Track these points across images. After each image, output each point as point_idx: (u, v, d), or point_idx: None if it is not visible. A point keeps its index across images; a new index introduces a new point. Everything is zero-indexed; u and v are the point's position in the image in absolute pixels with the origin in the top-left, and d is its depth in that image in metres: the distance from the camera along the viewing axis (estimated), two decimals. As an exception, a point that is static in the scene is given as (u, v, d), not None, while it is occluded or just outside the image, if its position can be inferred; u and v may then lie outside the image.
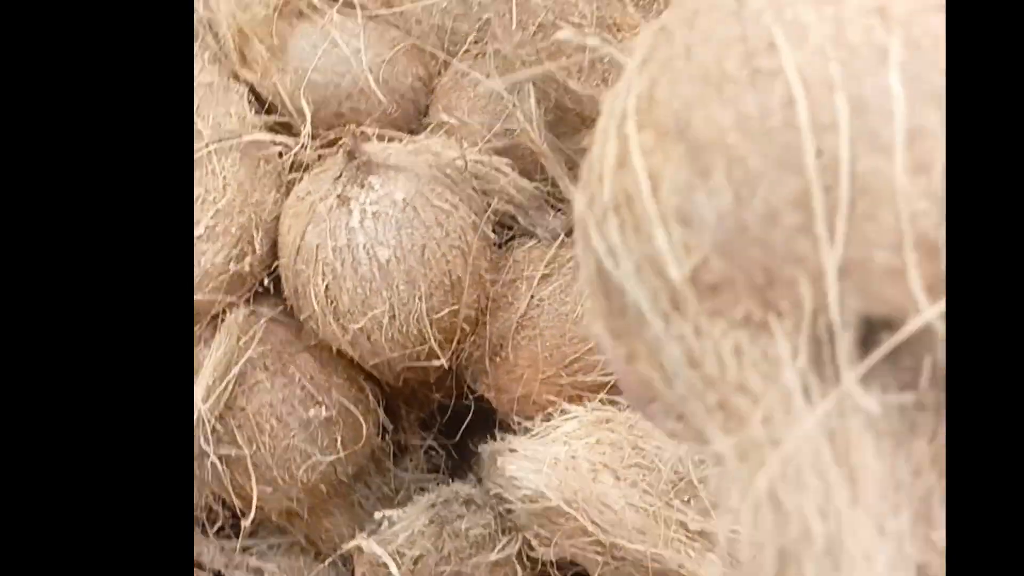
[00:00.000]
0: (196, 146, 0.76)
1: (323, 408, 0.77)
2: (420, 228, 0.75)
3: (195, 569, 0.79)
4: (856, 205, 0.24)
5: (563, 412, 0.76)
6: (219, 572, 0.83)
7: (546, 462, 0.71)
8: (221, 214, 0.75)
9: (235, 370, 0.74)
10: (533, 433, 0.75)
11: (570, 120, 0.81)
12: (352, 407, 0.79)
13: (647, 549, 0.68)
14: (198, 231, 0.74)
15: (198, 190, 0.75)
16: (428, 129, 0.86)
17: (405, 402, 0.86)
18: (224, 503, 0.79)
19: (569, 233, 0.82)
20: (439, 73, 0.91)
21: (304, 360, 0.78)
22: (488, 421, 0.82)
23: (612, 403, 0.77)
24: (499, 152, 0.83)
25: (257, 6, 0.84)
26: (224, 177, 0.76)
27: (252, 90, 0.85)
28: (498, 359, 0.79)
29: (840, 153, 0.24)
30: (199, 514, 0.78)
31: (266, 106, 0.85)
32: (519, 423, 0.78)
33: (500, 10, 0.78)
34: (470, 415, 0.82)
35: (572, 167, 0.81)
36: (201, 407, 0.72)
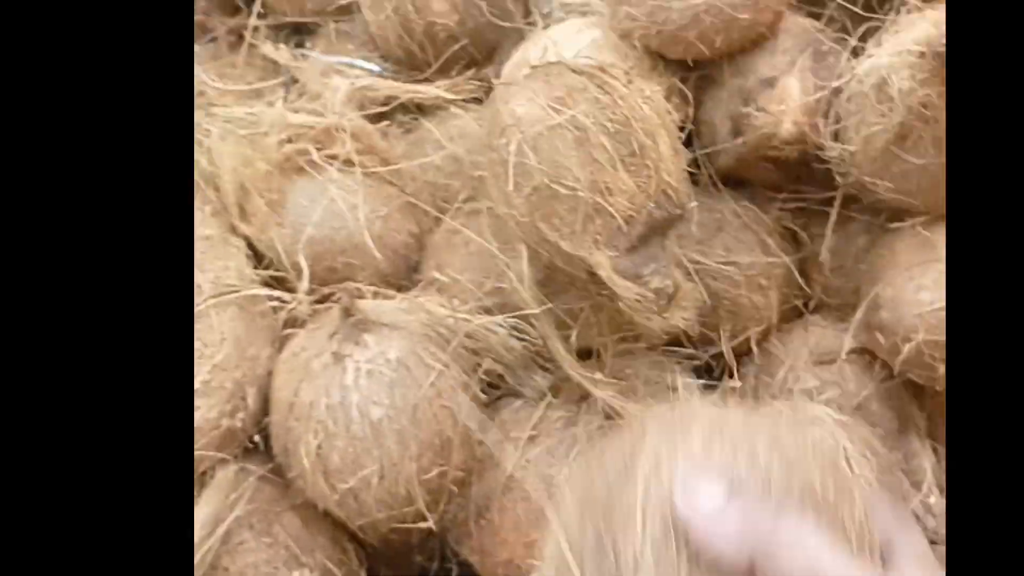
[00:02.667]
0: (197, 300, 0.77)
1: (306, 570, 0.77)
2: (413, 387, 0.76)
3: None
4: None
5: (548, 578, 0.76)
6: None
7: (529, 630, 0.72)
8: (217, 369, 0.76)
9: (221, 529, 0.74)
10: (516, 599, 0.76)
11: (559, 280, 0.84)
12: (335, 569, 0.78)
13: None
14: (194, 385, 0.75)
15: (196, 344, 0.76)
16: (420, 286, 0.88)
17: (387, 564, 0.85)
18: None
19: (556, 394, 0.84)
20: (431, 230, 0.93)
21: (289, 519, 0.78)
22: (470, 586, 0.82)
23: (597, 569, 0.77)
24: (489, 310, 0.85)
25: (259, 161, 0.87)
26: (222, 332, 0.77)
27: (250, 244, 0.87)
28: (483, 521, 0.79)
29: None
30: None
31: (264, 261, 0.87)
32: (502, 587, 0.78)
33: (495, 171, 0.81)
34: (452, 577, 0.82)
35: (561, 327, 0.84)
36: (187, 566, 0.72)
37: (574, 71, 0.81)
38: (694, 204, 0.82)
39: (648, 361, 0.87)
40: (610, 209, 0.76)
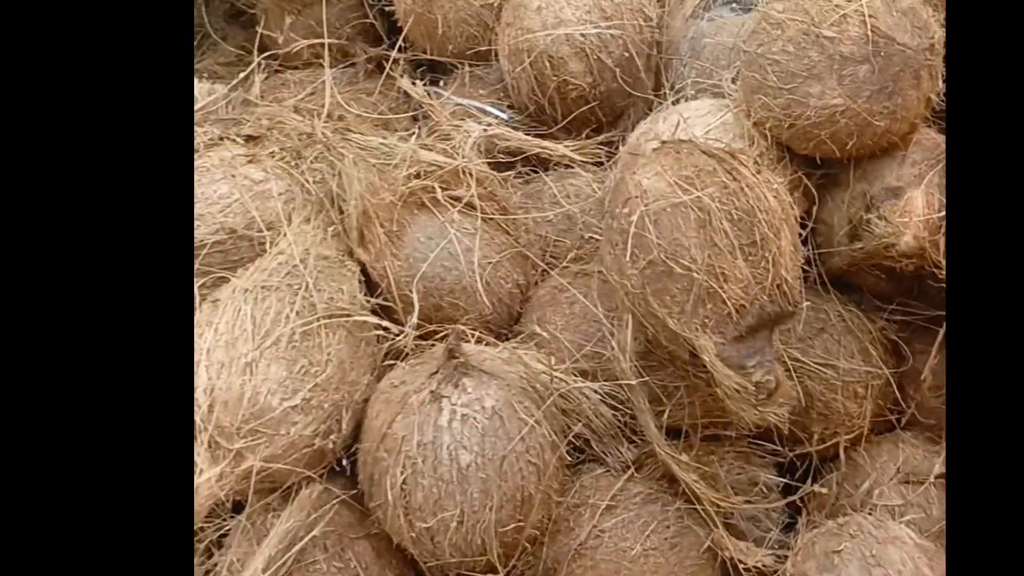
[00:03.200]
0: (308, 317, 0.79)
1: (372, 600, 0.77)
2: (503, 439, 0.76)
3: None
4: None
5: (606, 651, 0.76)
6: None
7: None
8: (319, 388, 0.78)
9: (298, 547, 0.75)
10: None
11: (659, 355, 0.84)
12: (399, 603, 0.79)
13: None
14: (295, 401, 0.76)
15: (303, 360, 0.77)
16: (519, 337, 0.89)
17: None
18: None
19: (639, 468, 0.84)
20: (537, 283, 0.94)
21: (363, 547, 0.79)
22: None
23: (657, 651, 0.77)
24: (584, 374, 0.85)
25: (384, 191, 0.89)
26: (328, 352, 0.79)
27: (364, 270, 0.88)
28: (550, 583, 0.79)
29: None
30: None
31: (376, 290, 0.88)
32: (559, 651, 0.78)
33: (612, 238, 0.82)
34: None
35: (653, 402, 0.84)
36: (260, 576, 0.73)
37: (705, 152, 0.81)
38: (806, 304, 0.82)
39: (734, 452, 0.86)
40: (723, 295, 0.76)
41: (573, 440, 0.83)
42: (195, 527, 0.74)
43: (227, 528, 0.79)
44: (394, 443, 0.76)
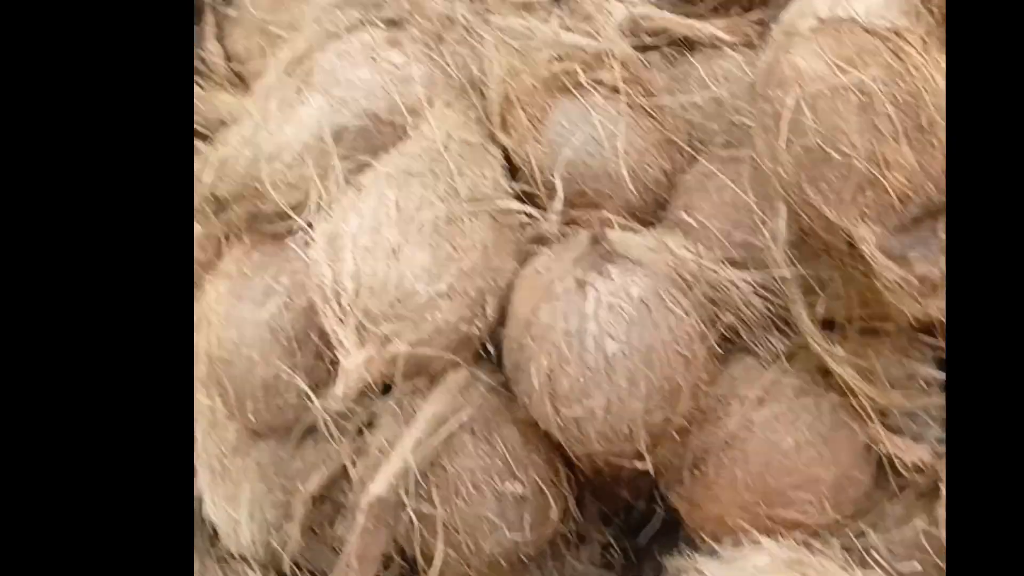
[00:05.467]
0: (451, 203, 0.78)
1: (519, 484, 0.77)
2: (651, 328, 0.74)
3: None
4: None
5: (755, 543, 0.75)
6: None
7: (733, 592, 0.70)
8: (463, 274, 0.77)
9: (446, 429, 0.75)
10: (721, 557, 0.74)
11: (814, 245, 0.80)
12: (546, 489, 0.79)
13: None
14: (440, 286, 0.76)
15: (447, 247, 0.77)
16: (665, 224, 0.86)
17: (593, 494, 0.85)
18: (404, 557, 0.80)
19: (792, 360, 0.81)
20: (684, 170, 0.91)
21: (509, 432, 0.79)
22: (672, 531, 0.81)
23: (807, 545, 0.75)
24: (734, 263, 0.82)
25: (526, 75, 0.86)
26: (473, 238, 0.78)
27: (506, 155, 0.87)
28: (697, 473, 0.78)
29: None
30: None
31: (519, 175, 0.86)
32: (704, 542, 0.77)
33: (765, 123, 0.78)
34: (657, 522, 0.82)
35: (807, 294, 0.80)
36: (409, 459, 0.74)
37: (867, 30, 0.75)
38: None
39: (892, 345, 0.82)
40: (885, 183, 0.71)
41: (722, 331, 0.80)
42: (346, 409, 0.75)
43: (377, 410, 0.80)
44: (539, 330, 0.75)
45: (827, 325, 0.81)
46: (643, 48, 0.95)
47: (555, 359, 0.74)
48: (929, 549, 0.76)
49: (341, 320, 0.75)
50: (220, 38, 1.16)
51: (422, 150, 0.81)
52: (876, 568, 0.76)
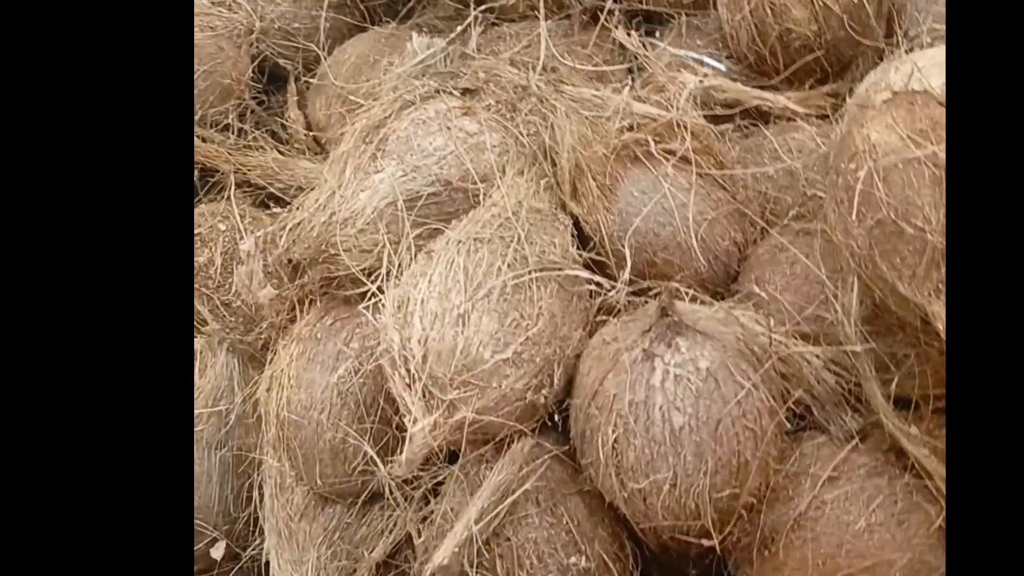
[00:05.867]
0: (520, 270, 0.78)
1: (584, 558, 0.76)
2: (719, 402, 0.73)
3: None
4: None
5: (825, 626, 0.72)
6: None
7: None
8: (530, 342, 0.77)
9: (510, 499, 0.75)
10: (789, 640, 0.72)
11: (887, 321, 0.79)
12: (610, 563, 0.78)
13: None
14: (506, 354, 0.76)
15: (514, 313, 0.77)
16: (736, 297, 0.86)
17: (660, 569, 0.84)
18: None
19: (864, 438, 0.79)
20: (756, 241, 0.90)
21: (575, 504, 0.78)
22: (740, 611, 0.79)
23: (879, 633, 0.73)
24: (805, 338, 0.81)
25: (597, 144, 0.87)
26: (540, 306, 0.78)
27: (576, 224, 0.87)
28: (767, 553, 0.76)
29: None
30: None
31: (589, 244, 0.87)
32: (773, 623, 0.75)
33: (838, 196, 0.77)
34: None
35: (881, 370, 0.78)
36: (472, 528, 0.73)
37: (941, 104, 0.75)
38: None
39: (969, 425, 0.79)
40: (960, 259, 0.69)
41: (793, 407, 0.79)
42: (411, 475, 0.75)
43: (443, 477, 0.80)
44: (606, 400, 0.74)
45: (901, 403, 0.80)
46: (716, 119, 0.95)
47: (621, 430, 0.73)
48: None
49: (409, 385, 0.76)
50: (302, 106, 1.20)
51: (492, 217, 0.82)
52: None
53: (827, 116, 0.96)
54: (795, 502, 0.76)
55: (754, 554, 0.76)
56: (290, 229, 0.87)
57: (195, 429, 0.94)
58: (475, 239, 0.80)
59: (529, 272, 0.78)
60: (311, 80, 1.21)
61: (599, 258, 0.86)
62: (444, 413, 0.75)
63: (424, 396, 0.75)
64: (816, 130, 0.95)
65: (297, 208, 0.90)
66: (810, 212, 0.91)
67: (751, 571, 0.77)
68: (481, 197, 0.85)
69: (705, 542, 0.73)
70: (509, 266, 0.79)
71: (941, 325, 0.71)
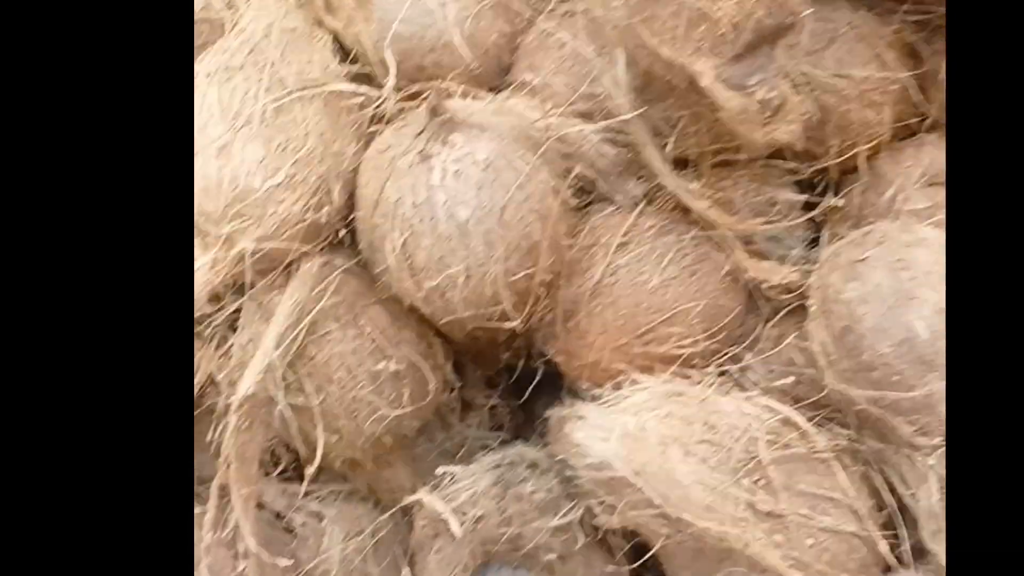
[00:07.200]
0: (279, 93, 0.75)
1: (392, 362, 0.77)
2: (500, 189, 0.73)
3: (257, 509, 0.79)
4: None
5: (633, 382, 0.75)
6: (279, 513, 0.83)
7: (614, 432, 0.71)
8: (301, 163, 0.75)
9: (307, 319, 0.74)
10: (602, 401, 0.75)
11: (657, 87, 0.79)
12: (420, 362, 0.79)
13: (713, 527, 0.67)
14: (277, 179, 0.73)
15: (280, 137, 0.74)
16: (510, 88, 0.85)
17: (472, 360, 0.85)
18: (288, 448, 0.79)
19: (649, 201, 0.81)
20: (523, 30, 0.89)
21: (375, 313, 0.78)
22: (555, 385, 0.81)
23: (684, 377, 0.76)
24: (581, 115, 0.81)
25: (347, -47, 0.83)
26: (306, 126, 0.75)
27: (336, 38, 0.84)
28: (570, 324, 0.78)
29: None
30: (264, 457, 0.78)
31: (349, 56, 0.84)
32: (587, 390, 0.77)
33: (593, -28, 0.76)
34: (538, 377, 0.82)
35: (657, 134, 0.80)
36: (272, 354, 0.72)
37: None
38: (807, 12, 0.76)
39: (748, 174, 0.82)
40: (716, 14, 0.70)
41: (579, 184, 0.80)
42: (197, 313, 0.73)
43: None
44: (388, 208, 0.74)
45: (681, 164, 0.82)
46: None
47: (408, 233, 0.73)
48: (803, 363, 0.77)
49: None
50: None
51: (241, 44, 0.78)
52: (753, 388, 0.77)
53: None
54: (591, 272, 0.78)
55: (558, 328, 0.78)
56: None
57: None
58: (225, 68, 0.76)
59: (289, 93, 0.75)
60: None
61: (366, 70, 0.84)
62: (222, 248, 0.73)
63: (199, 234, 0.73)
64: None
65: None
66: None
67: (558, 345, 0.79)
68: (228, 24, 0.81)
69: (507, 325, 0.75)
70: (267, 91, 0.76)
71: (705, 81, 0.72)
